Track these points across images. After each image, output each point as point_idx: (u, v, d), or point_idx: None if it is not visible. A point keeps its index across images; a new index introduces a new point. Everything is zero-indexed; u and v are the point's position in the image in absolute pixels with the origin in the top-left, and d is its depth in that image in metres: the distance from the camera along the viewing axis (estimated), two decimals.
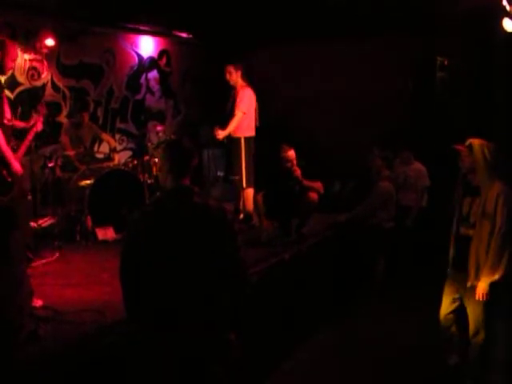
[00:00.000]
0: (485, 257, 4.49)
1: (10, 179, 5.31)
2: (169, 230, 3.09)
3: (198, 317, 3.09)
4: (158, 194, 3.03)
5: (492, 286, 4.46)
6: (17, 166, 5.40)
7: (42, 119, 5.83)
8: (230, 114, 7.42)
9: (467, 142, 4.68)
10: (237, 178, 7.57)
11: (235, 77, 7.50)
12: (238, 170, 7.49)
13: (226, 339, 3.20)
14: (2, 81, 5.95)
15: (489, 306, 4.53)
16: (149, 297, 3.09)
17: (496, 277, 4.44)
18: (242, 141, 7.46)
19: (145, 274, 3.06)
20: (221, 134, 7.31)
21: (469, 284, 4.58)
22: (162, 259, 3.06)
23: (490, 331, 4.63)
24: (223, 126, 7.42)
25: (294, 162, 6.88)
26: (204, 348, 3.11)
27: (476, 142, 4.64)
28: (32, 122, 5.81)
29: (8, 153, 5.32)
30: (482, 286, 4.47)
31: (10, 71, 5.80)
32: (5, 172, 5.29)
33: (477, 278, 4.53)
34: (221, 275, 3.11)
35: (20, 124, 5.97)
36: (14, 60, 5.65)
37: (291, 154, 6.87)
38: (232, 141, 7.50)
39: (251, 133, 7.55)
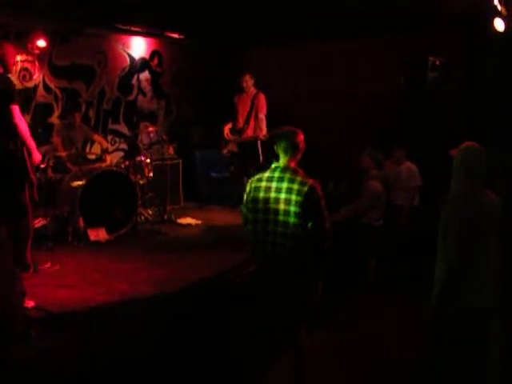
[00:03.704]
0: None
1: (25, 171, 5.43)
2: (268, 193, 4.20)
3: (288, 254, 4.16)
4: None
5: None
6: (37, 155, 5.59)
7: None
8: (249, 118, 8.64)
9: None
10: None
11: (250, 84, 8.68)
12: (255, 166, 8.19)
13: (312, 282, 4.26)
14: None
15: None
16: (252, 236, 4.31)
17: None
18: (259, 142, 8.56)
19: (251, 218, 4.29)
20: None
21: None
22: (261, 211, 4.21)
23: None
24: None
25: None
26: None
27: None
28: None
29: (31, 142, 5.51)
30: None
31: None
32: (19, 163, 5.38)
33: None
34: (307, 229, 4.11)
35: None
36: (15, 57, 5.72)
37: None
38: (248, 142, 8.65)
39: None
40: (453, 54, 8.38)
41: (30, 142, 5.51)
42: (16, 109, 5.40)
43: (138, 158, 8.04)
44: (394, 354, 5.38)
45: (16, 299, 3.93)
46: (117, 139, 9.86)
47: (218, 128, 9.29)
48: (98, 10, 7.98)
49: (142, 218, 8.07)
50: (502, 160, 7.24)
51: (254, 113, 8.64)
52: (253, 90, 8.72)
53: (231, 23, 9.11)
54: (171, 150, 9.59)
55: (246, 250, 6.35)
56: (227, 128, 8.92)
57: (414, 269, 7.04)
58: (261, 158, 8.56)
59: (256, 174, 8.07)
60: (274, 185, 4.20)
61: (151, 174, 8.15)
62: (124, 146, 9.85)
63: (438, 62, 8.29)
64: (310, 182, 4.13)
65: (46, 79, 8.45)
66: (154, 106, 10.59)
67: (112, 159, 8.53)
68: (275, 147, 4.32)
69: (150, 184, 8.30)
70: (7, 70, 5.60)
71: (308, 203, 4.06)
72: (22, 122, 5.43)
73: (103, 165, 7.89)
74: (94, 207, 7.06)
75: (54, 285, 5.33)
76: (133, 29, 9.64)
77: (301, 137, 4.35)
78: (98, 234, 6.99)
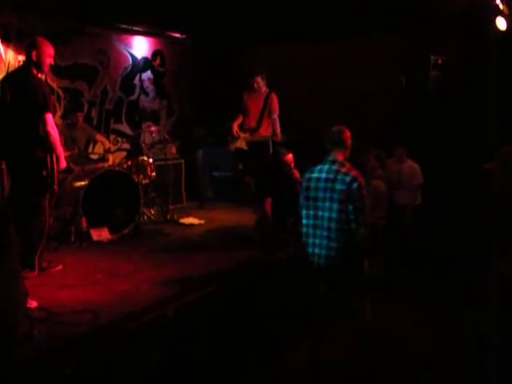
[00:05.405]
0: None
1: (49, 179, 5.47)
2: (318, 182, 4.80)
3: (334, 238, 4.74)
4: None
5: None
6: (63, 163, 5.62)
7: None
8: (262, 117, 8.53)
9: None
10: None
11: (262, 84, 8.56)
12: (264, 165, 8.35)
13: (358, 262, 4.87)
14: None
15: None
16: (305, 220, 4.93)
17: None
18: (270, 142, 8.53)
19: (305, 205, 4.90)
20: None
21: None
22: (312, 199, 4.83)
23: None
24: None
25: (292, 165, 7.21)
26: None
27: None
28: None
29: (60, 151, 5.56)
30: None
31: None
32: (44, 172, 5.41)
33: None
34: (348, 217, 4.66)
35: None
36: (52, 56, 5.66)
37: (289, 157, 7.18)
38: (261, 141, 8.54)
39: None
40: (453, 54, 8.37)
41: (60, 151, 5.54)
42: (49, 117, 5.41)
43: (141, 158, 8.05)
44: (393, 353, 5.37)
45: (19, 299, 3.94)
46: (119, 139, 9.87)
47: (220, 127, 9.30)
48: (100, 9, 7.99)
49: (145, 217, 8.07)
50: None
51: (266, 112, 8.54)
52: (265, 90, 8.61)
53: (232, 23, 9.12)
54: (173, 150, 9.61)
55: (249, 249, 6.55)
56: (236, 124, 8.71)
57: (415, 268, 7.06)
58: (270, 156, 8.47)
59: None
60: (323, 176, 4.79)
61: (154, 174, 8.17)
62: (126, 145, 9.84)
63: (440, 61, 8.28)
64: (353, 172, 4.69)
65: (49, 79, 8.43)
66: (156, 106, 10.61)
67: (114, 159, 8.53)
68: (325, 143, 4.93)
69: (152, 184, 8.32)
70: (41, 70, 5.58)
71: (349, 191, 4.61)
72: (54, 130, 5.44)
73: (106, 165, 7.92)
74: (96, 207, 7.08)
75: (56, 285, 5.34)
76: (135, 28, 9.66)
77: (347, 134, 4.91)
78: (101, 234, 7.00)
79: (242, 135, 8.70)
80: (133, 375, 4.23)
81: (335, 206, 4.69)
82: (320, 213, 4.80)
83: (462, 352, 5.28)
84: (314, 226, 4.86)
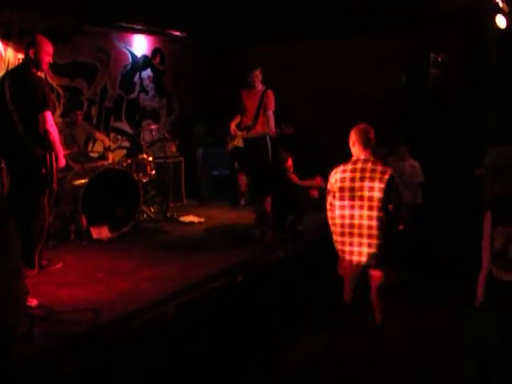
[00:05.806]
0: None
1: (48, 177, 5.47)
2: (353, 182, 4.83)
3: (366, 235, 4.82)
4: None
5: None
6: (62, 161, 5.62)
7: None
8: (258, 114, 8.46)
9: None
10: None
11: (259, 80, 8.50)
12: (264, 162, 8.36)
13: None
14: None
15: None
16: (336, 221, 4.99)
17: None
18: (268, 138, 8.50)
19: (339, 205, 4.92)
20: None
21: None
22: (348, 198, 4.85)
23: None
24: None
25: (291, 169, 7.31)
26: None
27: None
28: None
29: (60, 149, 5.55)
30: None
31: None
32: (44, 170, 5.41)
33: None
34: (387, 211, 4.76)
35: None
36: (51, 54, 5.64)
37: (289, 164, 7.25)
38: (257, 138, 8.50)
39: None
40: (453, 54, 8.38)
41: (59, 149, 5.54)
42: (48, 115, 5.40)
43: (141, 156, 8.04)
44: (393, 352, 5.36)
45: (19, 298, 3.93)
46: (119, 137, 9.85)
47: (220, 126, 9.28)
48: (99, 7, 7.97)
49: (145, 215, 8.07)
50: None
51: (262, 109, 8.48)
52: (261, 87, 8.55)
53: (232, 23, 9.11)
54: (173, 148, 9.59)
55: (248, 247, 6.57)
56: (234, 124, 8.68)
57: (415, 267, 7.06)
58: (270, 153, 8.48)
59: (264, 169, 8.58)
60: (358, 175, 4.81)
61: (153, 172, 8.17)
62: (126, 144, 9.84)
63: (439, 59, 8.29)
64: (389, 171, 4.78)
65: (48, 77, 8.40)
66: (156, 104, 10.59)
67: (114, 157, 8.54)
68: (350, 142, 5.00)
69: (152, 182, 8.31)
70: (40, 68, 5.57)
71: (389, 189, 4.69)
72: (53, 128, 5.44)
73: (105, 163, 7.91)
74: (96, 205, 7.07)
75: (56, 283, 5.33)
76: (135, 26, 9.64)
77: (373, 132, 5.00)
78: (101, 232, 6.99)
79: (239, 133, 8.68)
80: (133, 374, 4.23)
81: (375, 204, 4.73)
82: (357, 212, 4.81)
83: (462, 352, 5.27)
84: (352, 226, 4.86)
